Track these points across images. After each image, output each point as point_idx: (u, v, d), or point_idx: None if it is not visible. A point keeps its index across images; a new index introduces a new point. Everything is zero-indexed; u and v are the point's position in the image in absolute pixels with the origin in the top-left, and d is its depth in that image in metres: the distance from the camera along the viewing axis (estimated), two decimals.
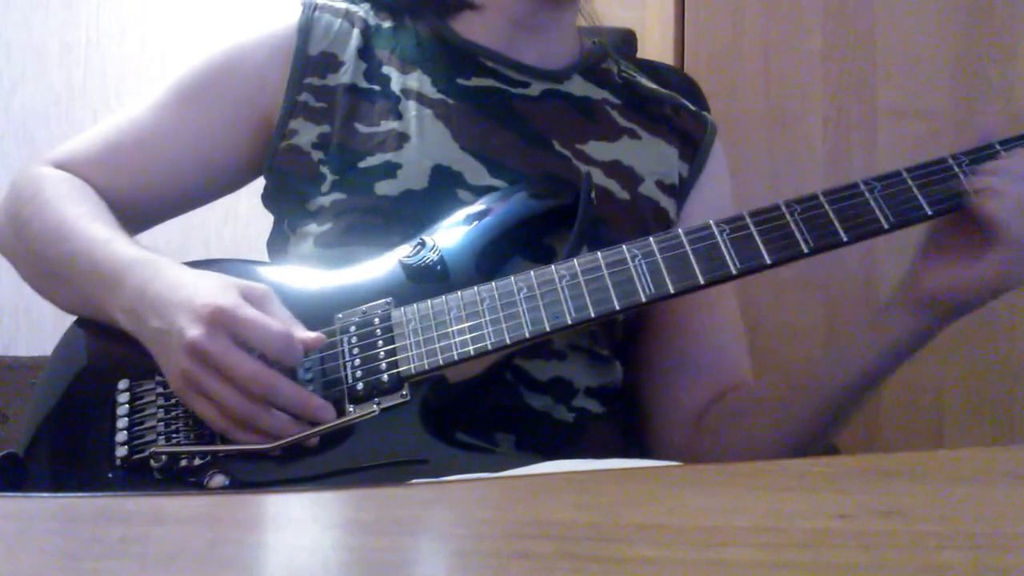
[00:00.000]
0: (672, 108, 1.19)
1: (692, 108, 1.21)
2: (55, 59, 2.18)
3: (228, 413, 0.86)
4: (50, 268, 1.03)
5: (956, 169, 0.92)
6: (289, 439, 0.86)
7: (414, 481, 0.79)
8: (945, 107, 1.48)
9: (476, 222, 0.99)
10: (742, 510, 0.53)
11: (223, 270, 1.01)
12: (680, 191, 1.15)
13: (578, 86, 1.14)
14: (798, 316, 1.47)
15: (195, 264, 1.02)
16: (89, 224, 1.01)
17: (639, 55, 1.34)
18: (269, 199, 1.15)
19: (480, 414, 0.96)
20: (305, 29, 1.12)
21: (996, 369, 1.40)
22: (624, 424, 1.11)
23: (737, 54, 1.56)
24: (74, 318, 1.05)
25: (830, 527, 0.49)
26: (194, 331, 0.85)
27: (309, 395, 0.88)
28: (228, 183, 1.17)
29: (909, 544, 0.46)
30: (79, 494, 0.86)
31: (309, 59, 1.11)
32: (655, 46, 1.55)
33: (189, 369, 0.86)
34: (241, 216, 1.89)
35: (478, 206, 1.01)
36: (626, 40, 1.28)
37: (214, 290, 0.88)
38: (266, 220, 1.18)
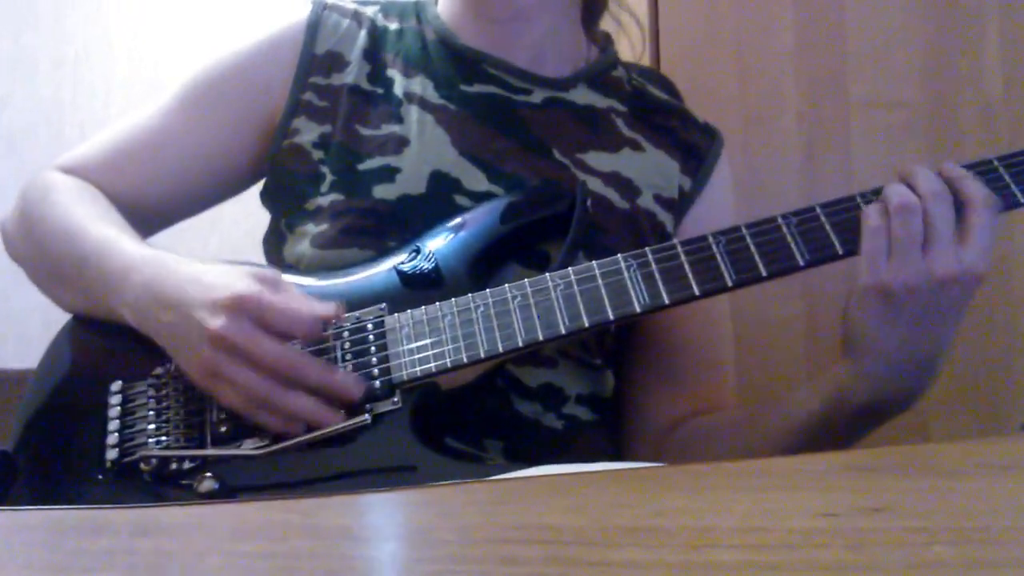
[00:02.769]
0: (680, 120, 1.18)
1: (701, 121, 1.20)
2: (44, 74, 2.18)
3: (253, 397, 0.87)
4: (57, 268, 1.04)
5: None
6: (279, 445, 0.86)
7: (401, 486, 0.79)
8: (916, 98, 1.49)
9: (471, 229, 0.99)
10: (728, 511, 0.53)
11: None
12: (679, 205, 1.14)
13: (582, 95, 1.14)
14: (779, 309, 1.48)
15: None
16: (96, 224, 1.01)
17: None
18: (268, 197, 1.15)
19: (470, 420, 0.96)
20: (313, 27, 1.13)
21: (980, 361, 1.40)
22: (614, 432, 1.11)
23: (711, 53, 1.57)
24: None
25: (817, 525, 0.49)
26: (216, 321, 0.86)
27: (337, 371, 0.89)
28: (235, 185, 1.17)
29: (897, 540, 0.46)
30: (65, 506, 0.86)
31: (315, 58, 1.11)
32: (630, 47, 1.55)
33: (212, 358, 0.86)
34: (227, 221, 1.89)
35: (474, 213, 1.01)
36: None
37: (229, 279, 0.89)
38: (254, 225, 1.17)
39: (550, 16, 1.14)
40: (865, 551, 0.44)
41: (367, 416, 0.88)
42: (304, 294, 0.92)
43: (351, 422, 0.88)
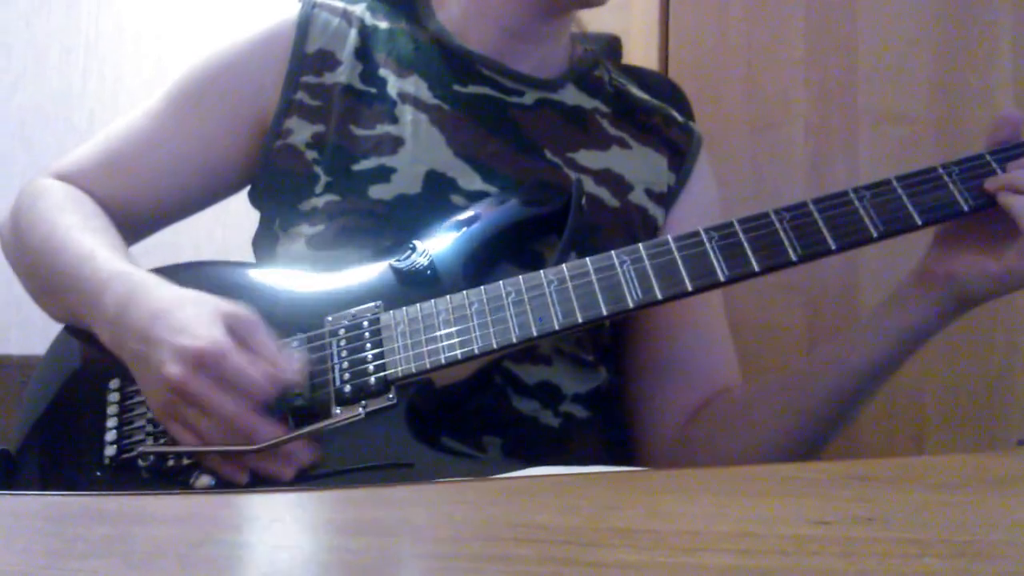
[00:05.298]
0: (662, 119, 1.19)
1: (680, 120, 1.21)
2: (54, 61, 2.19)
3: (205, 442, 0.87)
4: (42, 280, 1.04)
5: (946, 179, 0.92)
6: (275, 441, 0.86)
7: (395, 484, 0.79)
8: (925, 112, 1.49)
9: (467, 228, 0.99)
10: (722, 515, 0.53)
11: (213, 273, 1.01)
12: (668, 200, 1.15)
13: (571, 95, 1.15)
14: (779, 316, 1.48)
15: (187, 267, 1.02)
16: (78, 236, 1.01)
17: (624, 61, 1.35)
18: (259, 197, 1.14)
19: (467, 417, 0.97)
20: (303, 26, 1.12)
21: (977, 374, 1.40)
22: (610, 428, 1.11)
23: (721, 61, 1.57)
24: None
25: (810, 533, 0.49)
26: (175, 369, 0.84)
27: (286, 436, 0.87)
28: (229, 185, 1.16)
29: (889, 551, 0.46)
30: (63, 493, 0.87)
31: (306, 56, 1.11)
32: (640, 52, 1.56)
33: (169, 400, 0.86)
34: (231, 216, 1.89)
35: (469, 212, 1.01)
36: (612, 46, 1.28)
37: (198, 323, 0.87)
38: (258, 218, 1.17)
39: (566, 31, 1.16)
40: (856, 560, 0.44)
41: (361, 411, 0.88)
42: (275, 349, 0.89)
43: (343, 418, 0.88)
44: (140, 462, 0.90)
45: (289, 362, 0.88)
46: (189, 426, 0.87)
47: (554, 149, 1.10)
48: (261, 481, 0.87)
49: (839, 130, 1.51)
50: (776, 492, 0.59)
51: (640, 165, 1.14)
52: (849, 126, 1.51)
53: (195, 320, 0.87)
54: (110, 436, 0.92)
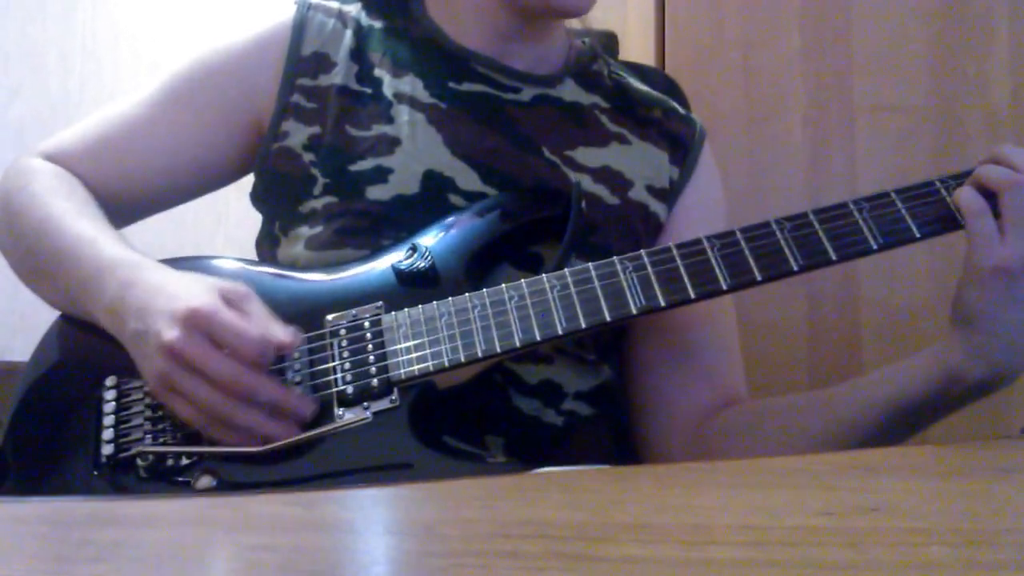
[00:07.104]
0: (662, 111, 1.18)
1: (682, 112, 1.20)
2: (52, 68, 2.19)
3: (206, 412, 0.86)
4: (37, 263, 1.03)
5: (944, 193, 0.92)
6: (279, 443, 0.86)
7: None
8: (922, 101, 1.49)
9: (467, 229, 0.99)
10: (728, 508, 0.53)
11: (216, 268, 1.01)
12: (671, 194, 1.14)
13: (569, 91, 1.14)
14: (779, 309, 1.49)
15: (190, 260, 1.02)
16: (75, 221, 1.00)
17: (620, 57, 1.35)
18: (259, 200, 1.14)
19: (469, 417, 0.96)
20: (299, 28, 1.12)
21: None
22: (614, 424, 1.11)
23: (717, 55, 1.57)
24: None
25: (815, 524, 0.49)
26: (171, 333, 0.85)
27: (288, 391, 0.88)
28: (216, 180, 1.16)
29: (895, 540, 0.46)
30: (70, 497, 0.86)
31: (301, 59, 1.11)
32: (636, 47, 1.56)
33: (166, 370, 0.86)
34: (232, 217, 1.89)
35: (470, 213, 1.01)
36: (608, 42, 1.28)
37: (193, 292, 0.88)
38: (257, 222, 1.18)
39: (559, 29, 1.16)
40: (862, 550, 0.45)
41: (368, 415, 0.88)
42: (268, 317, 0.90)
43: (351, 421, 0.88)
44: (139, 461, 0.89)
45: (283, 328, 0.89)
46: (186, 396, 0.86)
47: (552, 147, 1.09)
48: (264, 482, 0.87)
49: (836, 121, 1.52)
50: (781, 484, 0.59)
51: (640, 161, 1.13)
52: (846, 117, 1.51)
53: (189, 288, 0.89)
54: (107, 435, 0.92)
